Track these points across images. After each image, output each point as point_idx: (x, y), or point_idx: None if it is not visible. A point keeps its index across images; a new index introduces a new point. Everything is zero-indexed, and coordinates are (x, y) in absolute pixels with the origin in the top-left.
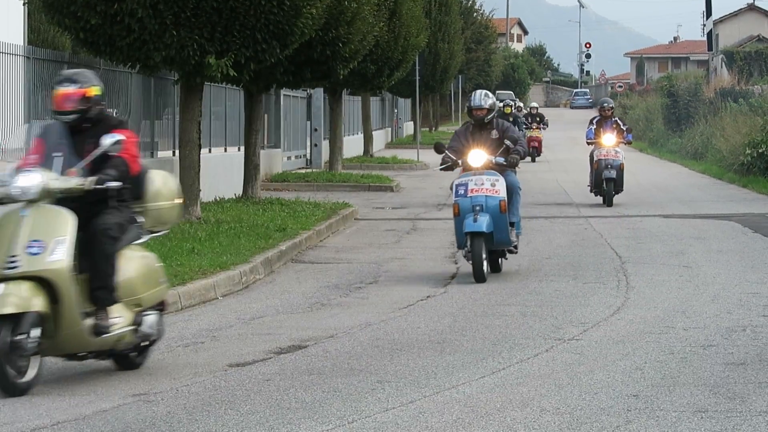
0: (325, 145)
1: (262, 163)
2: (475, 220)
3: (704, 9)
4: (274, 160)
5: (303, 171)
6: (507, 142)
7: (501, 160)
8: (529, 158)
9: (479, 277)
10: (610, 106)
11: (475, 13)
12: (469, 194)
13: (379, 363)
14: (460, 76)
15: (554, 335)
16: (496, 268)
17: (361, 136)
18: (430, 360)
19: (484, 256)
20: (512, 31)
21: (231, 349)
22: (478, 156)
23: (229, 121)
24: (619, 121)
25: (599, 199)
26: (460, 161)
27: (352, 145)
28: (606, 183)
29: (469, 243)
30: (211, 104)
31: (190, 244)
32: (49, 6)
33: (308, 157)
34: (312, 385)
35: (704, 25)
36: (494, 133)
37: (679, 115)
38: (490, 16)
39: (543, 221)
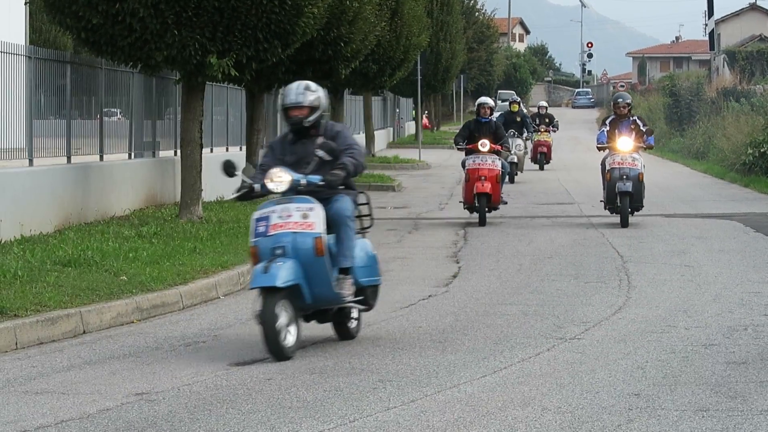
0: None
1: None
2: (265, 270)
3: (706, 9)
4: None
5: None
6: (319, 153)
7: (315, 179)
8: (536, 166)
9: (276, 352)
10: (626, 102)
11: (476, 13)
12: (271, 231)
13: (380, 362)
14: (461, 76)
15: (556, 334)
16: (345, 334)
17: (362, 135)
18: (431, 359)
19: (282, 322)
20: (514, 31)
21: (232, 348)
22: (279, 175)
23: (231, 120)
24: (638, 120)
25: (615, 217)
26: (258, 186)
27: None
28: (620, 198)
29: (261, 302)
30: (212, 104)
31: (192, 243)
32: (50, 6)
33: None
34: (313, 384)
35: (706, 24)
36: (319, 141)
37: (681, 114)
38: (492, 15)
39: (545, 221)
